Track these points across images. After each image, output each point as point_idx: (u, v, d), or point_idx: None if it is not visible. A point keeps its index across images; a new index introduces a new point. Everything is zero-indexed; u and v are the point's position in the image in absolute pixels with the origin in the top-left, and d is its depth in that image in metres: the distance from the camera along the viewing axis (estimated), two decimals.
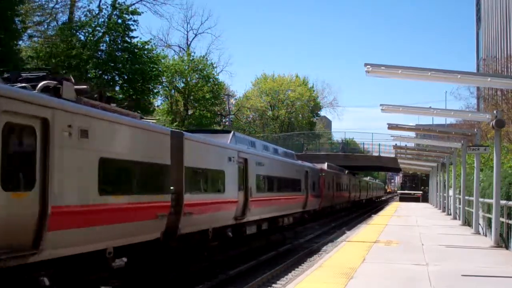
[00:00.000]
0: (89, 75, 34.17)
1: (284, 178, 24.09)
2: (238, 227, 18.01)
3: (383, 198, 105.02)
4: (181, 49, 57.91)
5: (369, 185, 72.40)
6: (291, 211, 25.55)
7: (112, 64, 34.19)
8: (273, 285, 14.23)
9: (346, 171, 50.30)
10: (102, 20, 34.54)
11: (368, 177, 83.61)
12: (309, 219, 31.55)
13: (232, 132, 19.37)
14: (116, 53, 34.25)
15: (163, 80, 44.95)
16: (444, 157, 32.52)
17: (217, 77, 52.01)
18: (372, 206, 64.84)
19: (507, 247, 15.09)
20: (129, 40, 34.79)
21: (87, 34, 34.44)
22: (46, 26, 33.96)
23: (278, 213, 23.15)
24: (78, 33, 34.04)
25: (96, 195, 9.60)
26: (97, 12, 34.76)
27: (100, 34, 34.44)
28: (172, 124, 41.24)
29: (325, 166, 37.79)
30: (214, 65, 52.15)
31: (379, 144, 55.08)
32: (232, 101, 67.99)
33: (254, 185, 19.09)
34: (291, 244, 22.15)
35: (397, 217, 29.46)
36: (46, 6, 33.34)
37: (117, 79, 35.25)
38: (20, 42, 29.40)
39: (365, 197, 67.14)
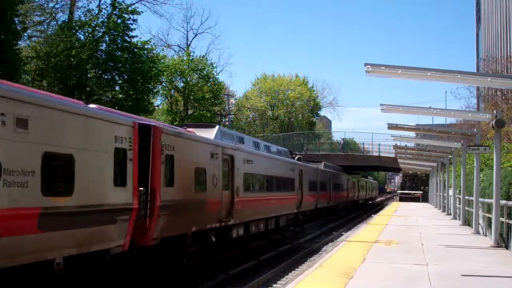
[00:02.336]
0: (89, 75, 34.18)
1: None
2: None
3: (377, 200, 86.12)
4: (181, 49, 57.98)
5: (352, 183, 49.82)
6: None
7: (112, 64, 34.20)
8: (273, 285, 14.22)
9: (296, 156, 30.60)
10: (102, 19, 34.56)
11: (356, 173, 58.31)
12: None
13: None
14: (116, 52, 34.25)
15: (163, 80, 44.92)
16: (444, 157, 32.51)
17: (217, 77, 52.08)
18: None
19: (507, 247, 15.09)
20: (128, 40, 34.82)
21: (86, 33, 34.45)
22: (46, 26, 33.94)
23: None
24: (77, 33, 34.04)
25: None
26: (96, 12, 34.80)
27: (100, 34, 34.44)
28: (171, 124, 41.13)
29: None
30: (214, 65, 52.22)
31: (379, 144, 55.00)
32: (232, 101, 67.87)
33: None
34: (291, 244, 22.13)
35: (397, 217, 29.46)
36: (46, 6, 33.35)
37: (117, 79, 35.28)
38: (20, 42, 29.34)
39: (343, 200, 45.12)
